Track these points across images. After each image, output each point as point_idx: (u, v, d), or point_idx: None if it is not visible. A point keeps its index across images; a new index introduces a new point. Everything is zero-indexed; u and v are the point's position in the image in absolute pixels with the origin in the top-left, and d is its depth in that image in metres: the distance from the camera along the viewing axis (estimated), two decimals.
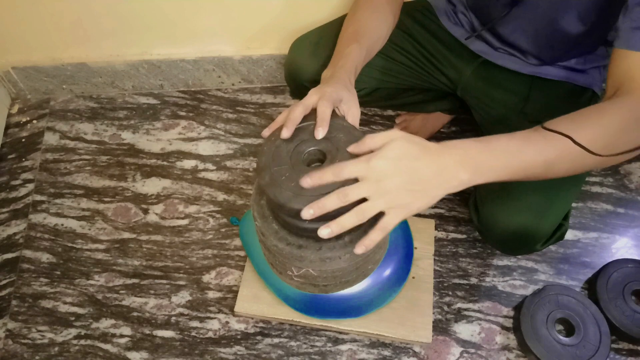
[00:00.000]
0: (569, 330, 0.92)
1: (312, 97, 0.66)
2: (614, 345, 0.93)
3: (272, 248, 0.70)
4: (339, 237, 0.67)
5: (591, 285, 0.98)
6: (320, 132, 0.63)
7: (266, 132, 0.67)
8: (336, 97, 0.66)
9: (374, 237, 0.59)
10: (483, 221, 0.84)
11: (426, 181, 0.56)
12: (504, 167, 0.59)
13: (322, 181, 0.57)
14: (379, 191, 0.55)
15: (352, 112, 0.68)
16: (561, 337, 0.90)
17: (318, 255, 0.67)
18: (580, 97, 0.87)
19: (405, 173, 0.55)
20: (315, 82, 0.91)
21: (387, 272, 0.90)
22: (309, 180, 0.57)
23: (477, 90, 0.93)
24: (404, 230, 0.95)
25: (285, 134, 0.64)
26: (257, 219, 0.70)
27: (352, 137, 0.65)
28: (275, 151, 0.64)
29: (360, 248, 0.60)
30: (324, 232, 0.58)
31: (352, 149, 0.60)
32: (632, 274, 0.97)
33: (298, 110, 0.65)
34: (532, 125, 0.77)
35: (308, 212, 0.57)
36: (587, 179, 1.12)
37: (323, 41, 0.90)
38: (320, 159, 0.65)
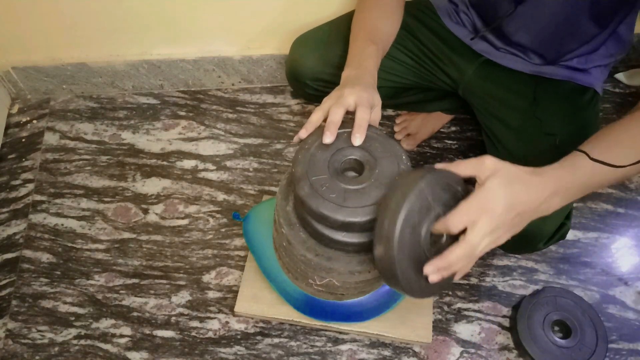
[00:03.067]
0: (566, 332, 0.92)
1: (349, 98, 0.64)
2: (613, 346, 0.93)
3: (298, 257, 0.68)
4: (369, 250, 0.63)
5: None
6: (358, 139, 0.62)
7: (303, 134, 0.65)
8: (372, 102, 0.65)
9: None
10: None
11: (526, 219, 0.58)
12: (586, 189, 0.62)
13: (447, 273, 0.56)
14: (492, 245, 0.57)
15: (376, 116, 0.67)
16: (557, 339, 0.90)
17: (348, 269, 0.66)
18: (582, 96, 0.87)
19: (515, 226, 0.57)
20: (317, 79, 0.92)
21: None
22: (434, 277, 0.55)
23: (479, 90, 0.93)
24: None
25: (328, 139, 0.62)
26: (283, 225, 0.68)
27: (387, 146, 0.64)
28: (311, 160, 0.62)
29: (436, 276, 0.56)
30: (434, 277, 0.56)
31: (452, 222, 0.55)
32: None
33: (339, 112, 0.63)
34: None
35: (434, 274, 0.56)
36: None
37: (324, 39, 0.90)
38: (356, 169, 0.64)
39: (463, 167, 0.58)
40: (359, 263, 0.66)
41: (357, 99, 0.64)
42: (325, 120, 0.65)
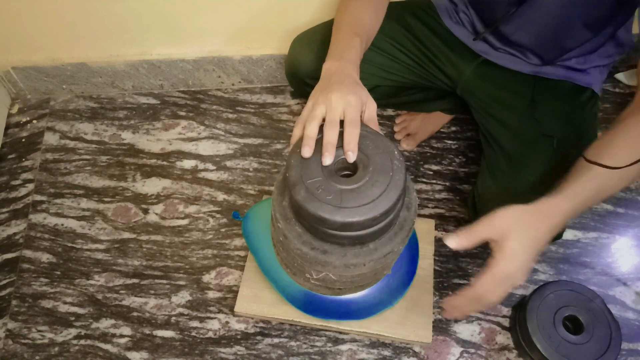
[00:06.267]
0: (577, 327, 0.90)
1: (338, 110, 0.63)
2: None
3: (294, 251, 0.68)
4: (363, 243, 0.66)
5: None
6: (351, 156, 0.62)
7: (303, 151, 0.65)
8: (361, 106, 0.64)
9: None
10: None
11: (542, 248, 0.64)
12: (591, 205, 0.67)
13: (465, 314, 0.68)
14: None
15: (370, 109, 0.66)
16: (569, 335, 0.88)
17: (343, 262, 0.66)
18: (580, 96, 0.87)
19: (526, 271, 0.63)
20: (315, 78, 0.92)
21: (394, 276, 0.90)
22: (450, 313, 0.68)
23: (477, 90, 0.93)
24: (410, 236, 0.95)
25: (328, 160, 0.62)
26: (279, 220, 0.68)
27: (379, 143, 0.64)
28: (304, 163, 0.62)
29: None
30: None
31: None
32: None
33: (333, 133, 0.62)
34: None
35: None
36: None
37: (322, 37, 0.91)
38: (350, 168, 0.64)
39: (476, 235, 0.63)
40: (354, 256, 0.66)
41: (343, 107, 0.63)
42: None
